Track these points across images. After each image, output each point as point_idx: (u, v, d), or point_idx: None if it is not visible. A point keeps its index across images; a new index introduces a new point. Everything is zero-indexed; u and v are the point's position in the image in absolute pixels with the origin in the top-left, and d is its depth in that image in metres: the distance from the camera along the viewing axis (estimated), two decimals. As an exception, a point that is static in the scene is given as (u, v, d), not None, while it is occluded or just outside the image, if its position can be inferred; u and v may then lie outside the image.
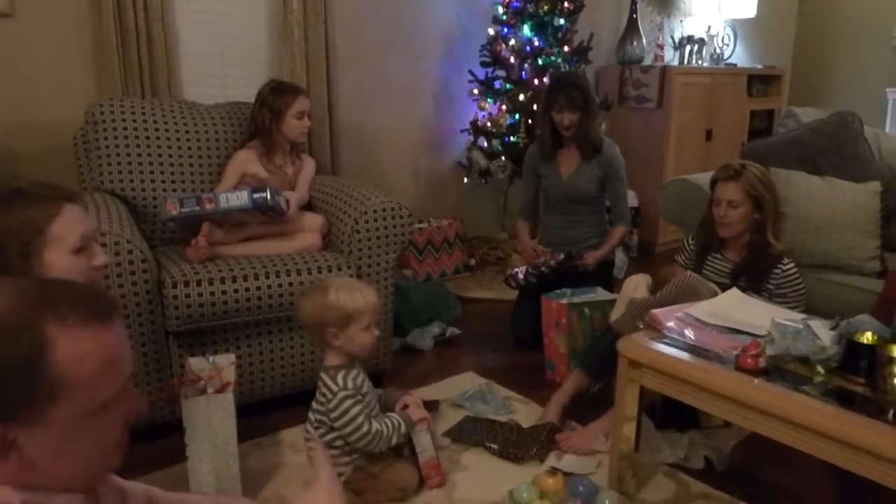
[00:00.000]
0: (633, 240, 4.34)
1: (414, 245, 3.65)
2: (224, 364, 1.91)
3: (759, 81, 4.97)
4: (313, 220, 2.50)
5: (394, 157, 3.79)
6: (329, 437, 1.84)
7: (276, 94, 2.58)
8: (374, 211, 2.38)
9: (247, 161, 2.57)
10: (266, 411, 2.31)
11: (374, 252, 2.39)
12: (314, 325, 1.83)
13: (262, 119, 2.57)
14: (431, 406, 2.37)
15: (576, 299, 2.63)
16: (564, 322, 2.58)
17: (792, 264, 2.27)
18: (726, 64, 5.01)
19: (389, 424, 1.86)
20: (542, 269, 2.80)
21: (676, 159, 4.36)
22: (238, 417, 1.84)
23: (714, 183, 2.35)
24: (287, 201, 2.43)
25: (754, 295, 2.16)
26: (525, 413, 2.36)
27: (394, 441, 1.85)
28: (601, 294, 2.70)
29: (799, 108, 3.00)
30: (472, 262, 3.90)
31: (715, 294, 2.08)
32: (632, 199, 4.29)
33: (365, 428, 1.81)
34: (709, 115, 4.55)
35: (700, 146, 4.53)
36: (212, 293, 2.12)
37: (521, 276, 2.83)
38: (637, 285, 2.27)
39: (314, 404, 1.87)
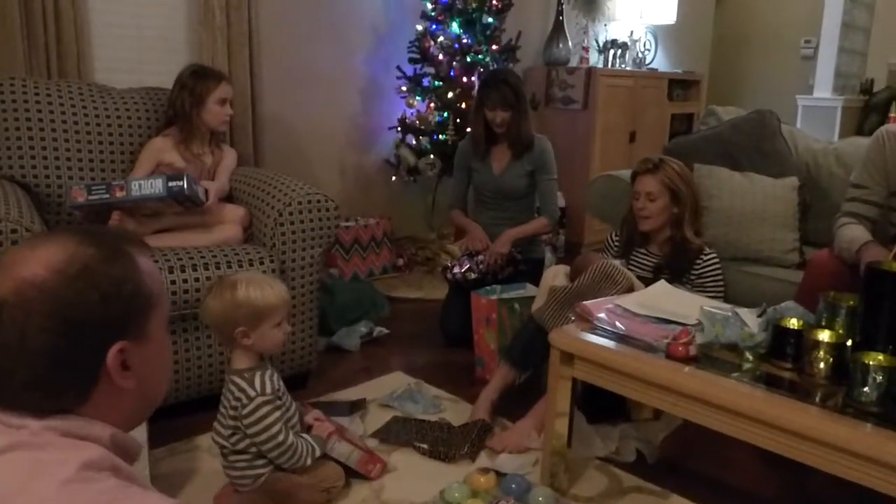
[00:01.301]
0: (559, 239, 4.36)
1: (340, 244, 3.59)
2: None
3: (679, 86, 5.11)
4: (234, 212, 2.43)
5: (320, 152, 3.73)
6: (243, 444, 1.73)
7: (197, 78, 2.48)
8: (300, 203, 2.32)
9: (162, 149, 2.46)
10: (180, 415, 2.20)
11: (299, 246, 2.33)
12: (223, 324, 1.72)
13: (181, 104, 2.47)
14: (358, 405, 2.31)
15: (505, 295, 2.62)
16: (494, 318, 2.56)
17: (713, 254, 2.33)
18: (648, 68, 5.13)
19: (306, 446, 1.77)
20: (481, 267, 2.77)
21: (601, 160, 4.42)
22: (149, 421, 1.71)
23: (634, 177, 2.40)
24: (206, 191, 2.34)
25: (678, 286, 2.19)
26: (455, 412, 2.33)
27: (308, 462, 1.76)
28: (531, 290, 2.68)
29: (720, 107, 3.08)
30: (400, 261, 3.88)
31: (629, 281, 2.11)
32: (559, 200, 4.32)
33: (280, 438, 1.71)
34: (632, 117, 4.64)
35: (624, 147, 4.61)
36: (121, 288, 1.98)
37: (458, 270, 2.79)
38: (556, 275, 2.29)
39: (223, 410, 1.76)
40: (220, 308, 1.71)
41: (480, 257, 2.81)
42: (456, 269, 2.81)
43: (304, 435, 1.82)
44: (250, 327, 1.72)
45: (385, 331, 3.01)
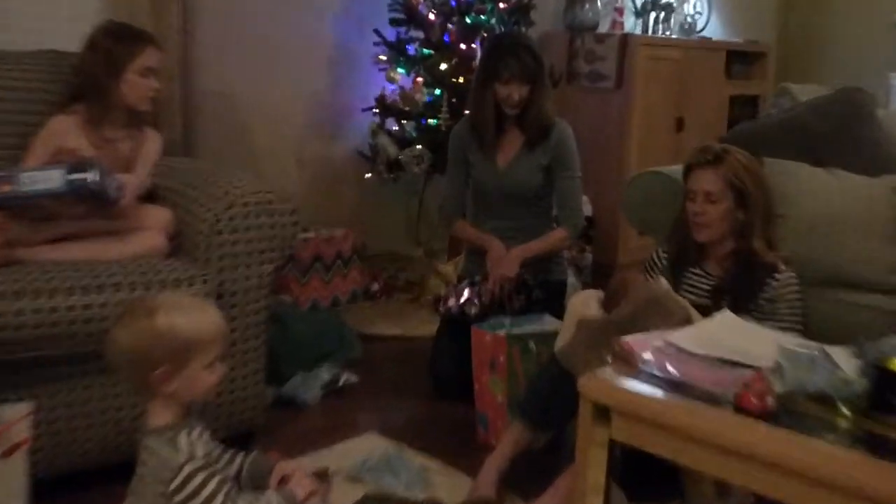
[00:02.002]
0: (586, 258, 4.35)
1: (297, 262, 3.56)
2: (15, 417, 1.82)
3: (740, 59, 5.14)
4: (156, 215, 2.43)
5: (272, 141, 3.73)
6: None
7: (115, 41, 2.48)
8: (245, 204, 2.31)
9: (65, 131, 2.46)
10: (78, 488, 2.19)
11: (243, 262, 2.32)
12: (136, 364, 1.67)
13: (92, 72, 2.47)
14: (319, 478, 2.27)
15: (517, 330, 2.60)
16: (503, 361, 2.54)
17: (790, 274, 2.33)
18: (699, 36, 5.19)
19: None
20: (484, 299, 2.76)
21: (640, 153, 4.43)
22: (35, 496, 1.72)
23: (688, 171, 2.39)
24: (121, 187, 2.34)
25: (744, 316, 2.17)
26: (449, 487, 2.32)
27: None
28: (551, 322, 2.67)
29: (795, 85, 3.11)
30: (375, 286, 3.86)
31: (686, 312, 2.09)
32: (584, 205, 4.32)
33: (227, 511, 1.66)
34: (680, 99, 4.66)
35: (669, 137, 4.62)
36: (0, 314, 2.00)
37: (454, 302, 2.79)
38: (586, 302, 2.28)
39: (138, 487, 1.70)
40: (133, 341, 1.66)
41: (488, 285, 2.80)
42: (451, 301, 2.80)
43: (268, 492, 1.77)
44: (174, 368, 1.67)
45: (355, 378, 3.00)
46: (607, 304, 2.24)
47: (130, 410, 2.21)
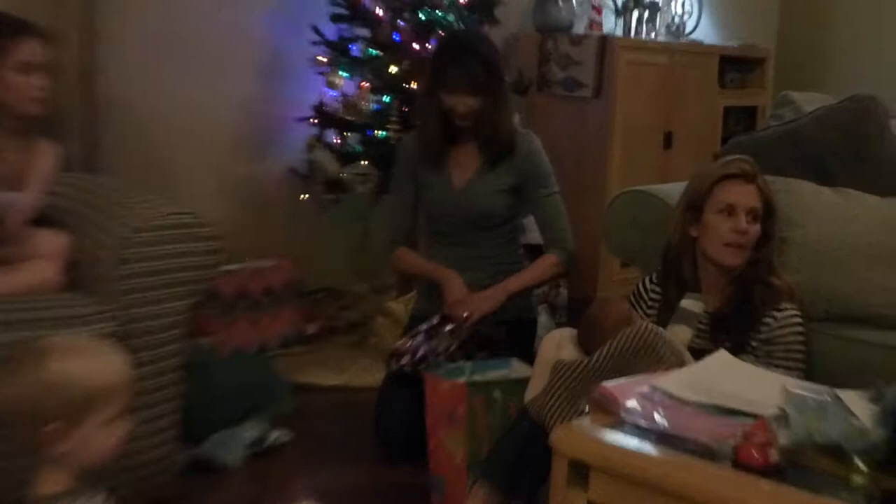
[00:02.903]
0: (560, 296, 4.35)
1: (218, 298, 3.52)
2: None
3: (736, 66, 5.23)
4: (50, 241, 2.44)
5: (190, 158, 3.72)
6: None
7: None
8: (157, 227, 2.32)
9: None
10: None
11: (154, 297, 2.33)
12: (22, 420, 1.65)
13: None
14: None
15: (479, 377, 2.60)
16: (462, 413, 2.53)
17: (793, 312, 2.35)
18: (689, 39, 5.25)
19: None
20: (449, 348, 2.75)
21: (622, 173, 4.47)
22: None
23: (717, 183, 2.38)
24: (8, 207, 2.37)
25: (743, 357, 2.20)
26: None
27: None
28: (518, 369, 2.66)
29: (798, 93, 3.16)
30: (312, 328, 3.85)
31: (680, 358, 2.11)
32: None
33: None
34: (667, 110, 4.72)
35: (656, 154, 4.68)
36: None
37: (407, 360, 2.75)
38: (561, 343, 2.29)
39: None
40: (18, 393, 1.64)
41: (447, 328, 2.77)
42: (406, 359, 2.76)
43: None
44: (67, 425, 1.65)
45: (286, 436, 2.99)
46: (584, 336, 2.26)
47: (8, 477, 2.13)
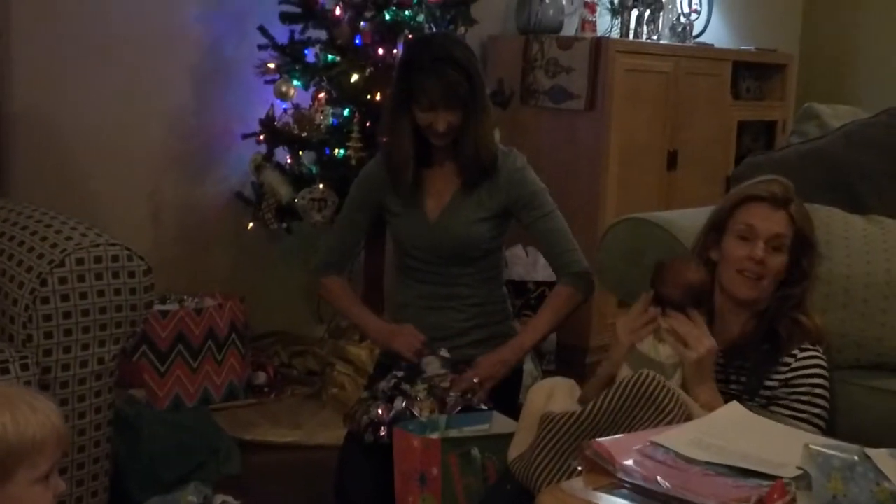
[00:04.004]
0: (548, 340, 4.37)
1: (151, 344, 3.54)
2: None
3: (752, 73, 5.29)
4: None
5: (116, 181, 3.72)
6: None
7: None
8: (80, 261, 2.32)
9: None
10: None
11: (77, 340, 2.33)
12: None
13: None
14: None
15: (455, 432, 2.60)
16: (436, 474, 2.53)
17: (815, 352, 2.37)
18: (697, 42, 5.30)
19: None
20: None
21: (620, 198, 4.50)
22: None
23: (739, 204, 2.42)
24: None
25: (754, 408, 2.23)
26: None
27: None
28: (500, 423, 2.67)
29: (824, 106, 3.17)
30: (262, 377, 3.85)
31: (685, 410, 2.11)
32: (543, 267, 4.35)
33: None
34: (672, 125, 4.76)
35: (658, 175, 4.71)
36: None
37: (375, 428, 2.69)
38: (550, 394, 2.30)
39: None
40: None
41: (419, 389, 2.75)
42: (367, 425, 2.68)
43: None
44: (-4, 481, 1.68)
45: (233, 501, 2.84)
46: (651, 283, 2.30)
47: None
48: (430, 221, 2.94)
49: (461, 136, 2.85)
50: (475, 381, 2.77)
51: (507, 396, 2.90)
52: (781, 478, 1.73)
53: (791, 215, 2.37)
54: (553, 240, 2.94)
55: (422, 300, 2.99)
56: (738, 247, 2.38)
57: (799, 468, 1.74)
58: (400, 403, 2.72)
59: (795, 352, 2.36)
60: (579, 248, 2.94)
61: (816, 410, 2.32)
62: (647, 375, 2.14)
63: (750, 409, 2.18)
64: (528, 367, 3.84)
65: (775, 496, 1.66)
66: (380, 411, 2.69)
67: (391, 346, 2.89)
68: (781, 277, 2.38)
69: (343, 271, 3.09)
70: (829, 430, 2.29)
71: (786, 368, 2.35)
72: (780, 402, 2.32)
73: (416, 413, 2.69)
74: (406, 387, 2.73)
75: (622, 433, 2.01)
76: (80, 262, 2.32)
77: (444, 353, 2.81)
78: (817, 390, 2.33)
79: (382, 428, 2.69)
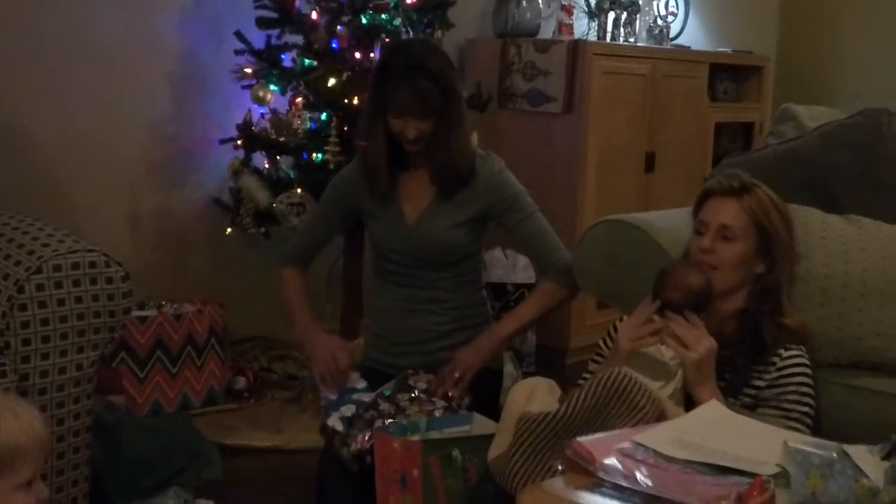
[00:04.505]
0: (528, 342, 4.39)
1: (130, 350, 3.54)
2: None
3: (729, 75, 5.32)
4: None
5: (93, 189, 3.71)
6: None
7: None
8: (57, 268, 2.32)
9: None
10: None
11: (56, 347, 2.32)
12: None
13: None
14: None
15: (436, 434, 2.60)
16: (417, 476, 2.52)
17: (796, 352, 2.39)
18: (674, 45, 5.34)
19: None
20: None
21: (598, 200, 4.52)
22: None
23: (702, 201, 2.47)
24: None
25: (735, 406, 2.25)
26: None
27: None
28: (481, 424, 2.67)
29: (801, 107, 3.18)
30: (242, 382, 3.86)
31: (658, 406, 2.13)
32: (522, 269, 4.35)
33: None
34: (650, 128, 4.78)
35: (636, 178, 4.74)
36: None
37: (358, 444, 2.66)
38: (530, 394, 2.30)
39: None
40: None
41: (403, 398, 2.75)
42: (340, 440, 2.67)
43: None
44: (-23, 487, 1.68)
45: None
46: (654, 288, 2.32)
47: None
48: (407, 225, 2.94)
49: (433, 144, 2.85)
50: (456, 375, 2.78)
51: (487, 397, 2.90)
52: (761, 475, 1.73)
53: (744, 205, 2.41)
54: (537, 241, 2.94)
55: (400, 304, 2.99)
56: (695, 242, 2.44)
57: (778, 466, 1.76)
58: (382, 423, 2.71)
59: (780, 351, 2.37)
60: (563, 247, 2.95)
61: (805, 409, 2.33)
62: (620, 373, 2.15)
63: (730, 406, 2.21)
64: (508, 368, 3.83)
65: (755, 493, 1.66)
66: (357, 443, 2.67)
67: (308, 356, 2.89)
68: (748, 272, 2.42)
69: (303, 265, 3.08)
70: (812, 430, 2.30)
71: (772, 368, 2.36)
72: (769, 403, 2.33)
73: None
74: (383, 406, 2.72)
75: (597, 431, 2.02)
76: (57, 268, 2.32)
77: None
78: (804, 388, 2.35)
79: (368, 457, 2.67)
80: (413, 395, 2.74)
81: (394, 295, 3.02)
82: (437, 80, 2.80)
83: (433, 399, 2.74)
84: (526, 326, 3.01)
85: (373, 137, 2.90)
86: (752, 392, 2.36)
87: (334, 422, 2.72)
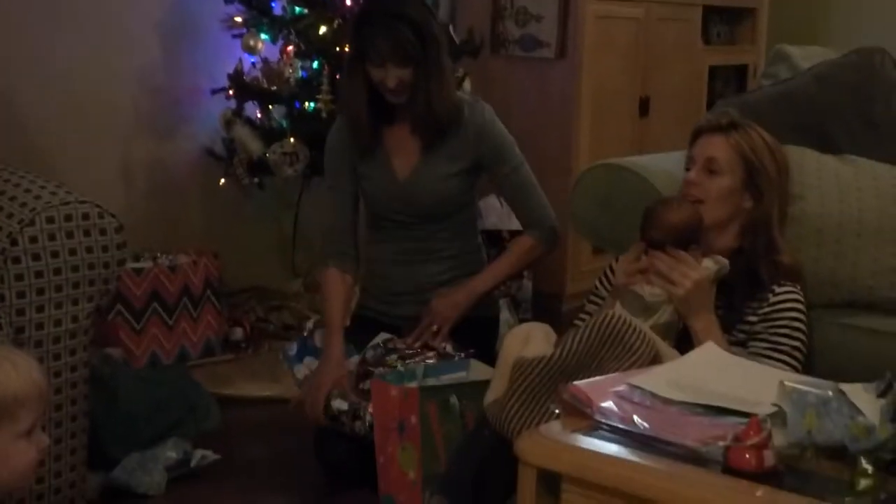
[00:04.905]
0: (524, 289, 4.39)
1: (126, 302, 3.53)
2: None
3: (722, 18, 5.28)
4: None
5: (84, 141, 3.70)
6: None
7: None
8: (50, 218, 2.31)
9: None
10: None
11: (50, 300, 2.31)
12: None
13: None
14: None
15: (433, 380, 2.61)
16: (415, 423, 2.55)
17: (789, 288, 2.40)
18: (667, -11, 5.27)
19: None
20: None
21: (592, 146, 4.50)
22: None
23: (694, 139, 2.50)
24: None
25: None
26: None
27: None
28: (477, 370, 2.69)
29: (794, 48, 3.16)
30: (239, 333, 3.86)
31: (652, 348, 2.13)
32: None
33: None
34: (643, 73, 4.76)
35: (630, 122, 4.72)
36: None
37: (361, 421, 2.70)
38: (526, 339, 2.30)
39: None
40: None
41: (393, 360, 2.74)
42: (367, 413, 2.67)
43: None
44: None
45: (212, 456, 2.99)
46: (641, 228, 2.34)
47: None
48: (400, 180, 2.94)
49: (413, 93, 2.84)
50: (433, 328, 2.81)
51: (483, 344, 2.92)
52: (757, 415, 1.73)
53: (730, 140, 2.43)
54: (522, 195, 2.96)
55: (396, 255, 3.00)
56: (684, 178, 2.47)
57: (774, 405, 1.75)
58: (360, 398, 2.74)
59: (774, 287, 2.38)
60: (547, 203, 2.97)
61: (796, 343, 2.34)
62: (615, 315, 2.16)
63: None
64: (505, 315, 3.86)
65: (751, 433, 1.66)
66: (371, 413, 2.67)
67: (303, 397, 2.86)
68: (736, 206, 2.44)
69: (348, 258, 3.01)
70: (805, 368, 2.31)
71: (765, 304, 2.37)
72: (759, 336, 2.34)
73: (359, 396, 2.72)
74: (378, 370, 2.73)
75: (592, 373, 2.02)
76: (50, 220, 2.31)
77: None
78: (795, 324, 2.36)
79: (342, 416, 2.73)
80: (399, 353, 2.76)
81: (391, 248, 3.02)
82: (417, 27, 2.79)
83: (422, 352, 2.77)
84: (501, 282, 3.02)
85: (353, 88, 2.90)
86: (745, 328, 2.37)
87: (302, 373, 2.83)
